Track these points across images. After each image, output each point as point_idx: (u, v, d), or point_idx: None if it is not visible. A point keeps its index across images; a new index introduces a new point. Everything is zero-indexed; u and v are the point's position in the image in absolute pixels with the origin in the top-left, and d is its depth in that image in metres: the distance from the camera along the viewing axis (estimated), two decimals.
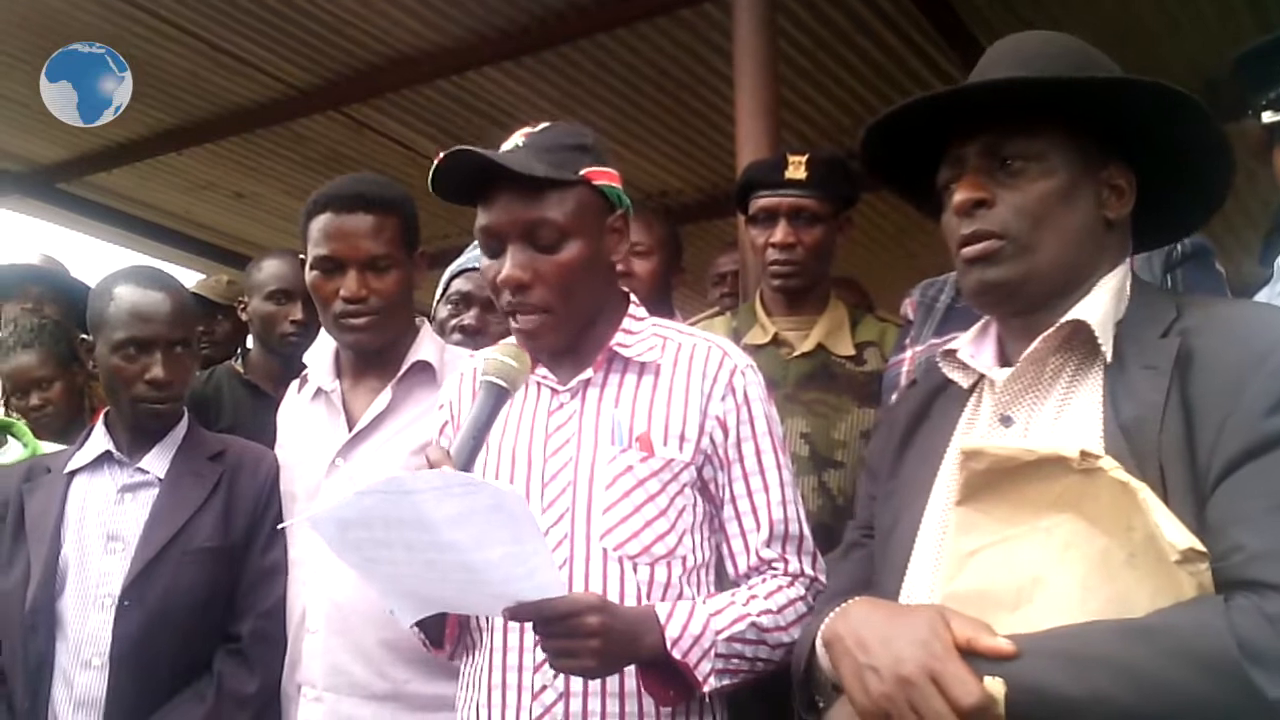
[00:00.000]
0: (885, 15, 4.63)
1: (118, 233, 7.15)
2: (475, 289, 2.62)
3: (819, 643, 1.28)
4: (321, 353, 2.21)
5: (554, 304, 1.58)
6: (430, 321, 2.55)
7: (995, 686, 1.04)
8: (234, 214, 7.09)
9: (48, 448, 2.55)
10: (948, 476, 1.29)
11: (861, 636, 1.13)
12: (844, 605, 1.24)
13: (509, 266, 1.57)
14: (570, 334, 1.63)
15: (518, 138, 1.62)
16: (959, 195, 1.31)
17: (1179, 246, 2.05)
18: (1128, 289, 1.31)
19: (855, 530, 1.52)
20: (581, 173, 1.59)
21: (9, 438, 2.56)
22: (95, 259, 7.35)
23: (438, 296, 2.69)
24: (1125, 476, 1.09)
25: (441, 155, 1.54)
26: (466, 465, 1.37)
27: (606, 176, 1.63)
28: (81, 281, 3.81)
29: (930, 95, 1.34)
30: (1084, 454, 1.11)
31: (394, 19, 4.78)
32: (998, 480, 1.18)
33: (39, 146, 6.07)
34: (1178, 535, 1.05)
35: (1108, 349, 1.24)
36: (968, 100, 1.32)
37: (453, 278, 2.69)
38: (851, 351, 2.60)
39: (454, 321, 2.64)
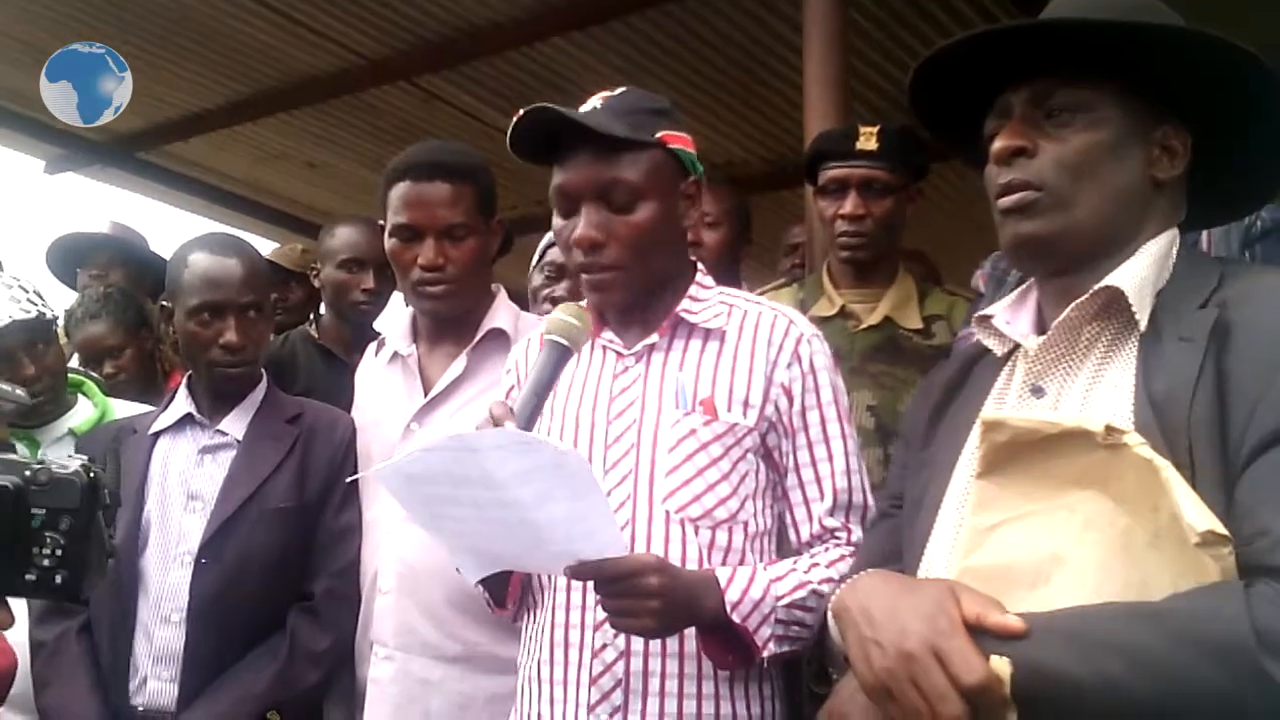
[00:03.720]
0: None
1: (195, 201, 7.23)
2: None
3: (829, 614, 1.25)
4: (398, 318, 2.25)
5: (626, 262, 1.60)
6: (528, 289, 2.58)
7: (1001, 666, 1.00)
8: (306, 183, 7.16)
9: (118, 406, 2.61)
10: (973, 448, 1.24)
11: (868, 609, 1.10)
12: (855, 577, 1.22)
13: (583, 226, 1.59)
14: (638, 293, 1.64)
15: (595, 100, 1.63)
16: (998, 143, 1.26)
17: (1258, 222, 1.99)
18: (1174, 255, 1.24)
19: (885, 500, 1.49)
20: (658, 135, 1.61)
21: (80, 396, 2.61)
22: (174, 227, 7.49)
23: (534, 263, 2.72)
24: (1150, 454, 1.04)
25: (522, 112, 1.56)
26: (529, 422, 1.39)
27: (682, 142, 1.65)
28: (149, 248, 3.91)
29: (971, 35, 1.27)
30: (1109, 429, 1.06)
31: None
32: (1020, 453, 1.14)
33: (119, 116, 6.18)
34: (1198, 517, 0.99)
35: (1143, 318, 1.18)
36: (1018, 45, 1.26)
37: (549, 246, 2.71)
38: (919, 325, 2.59)
39: (546, 292, 2.66)
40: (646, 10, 4.82)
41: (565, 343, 1.45)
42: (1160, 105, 1.25)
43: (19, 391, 1.19)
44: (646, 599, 1.40)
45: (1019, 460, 1.15)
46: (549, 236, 2.66)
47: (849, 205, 2.56)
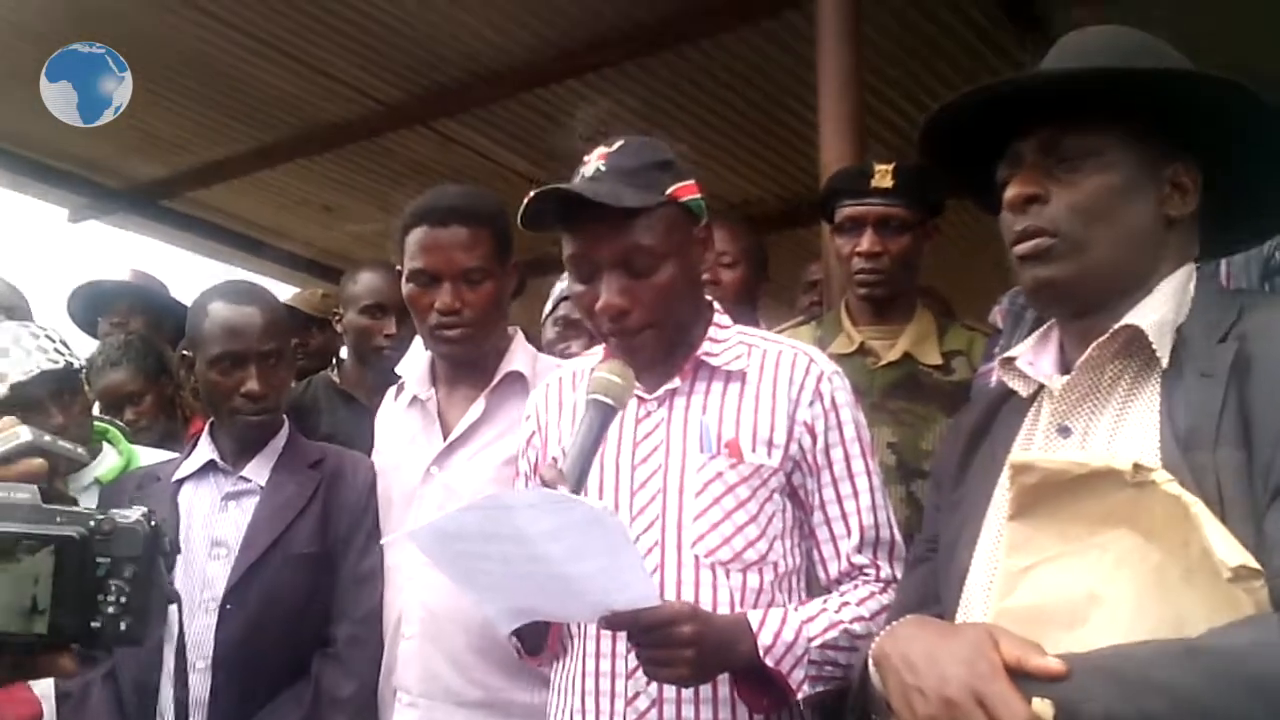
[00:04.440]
0: (972, 23, 4.57)
1: (217, 248, 7.30)
2: None
3: (870, 661, 1.25)
4: (417, 361, 2.25)
5: (653, 322, 1.59)
6: (541, 339, 2.57)
7: (1043, 708, 1.00)
8: (325, 228, 7.21)
9: (143, 453, 2.61)
10: (1004, 489, 1.25)
11: (908, 656, 1.11)
12: (894, 624, 1.23)
13: (608, 294, 1.57)
14: (667, 347, 1.64)
15: (597, 161, 1.60)
16: (1011, 191, 1.28)
17: (1276, 253, 1.98)
18: (1191, 290, 1.25)
19: (921, 544, 1.49)
20: (668, 192, 1.59)
21: (105, 444, 2.61)
22: (197, 273, 7.55)
23: (546, 313, 2.71)
24: (1179, 490, 1.05)
25: (531, 195, 1.55)
26: (579, 484, 1.38)
27: (689, 190, 1.63)
28: (170, 294, 3.92)
29: (980, 88, 1.29)
30: (1137, 467, 1.07)
31: (479, 34, 4.85)
32: (1050, 494, 1.15)
33: (141, 164, 6.24)
34: (1230, 552, 1.01)
35: (1164, 355, 1.19)
36: (1027, 95, 1.28)
37: (562, 299, 2.69)
38: (939, 360, 2.57)
39: (560, 347, 2.67)
40: (660, 52, 4.87)
41: (610, 402, 1.44)
42: (1169, 143, 1.26)
43: (80, 450, 1.22)
44: (682, 648, 1.39)
45: (1049, 501, 1.15)
46: (559, 289, 2.65)
47: (865, 243, 2.56)
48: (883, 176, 2.57)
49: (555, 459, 1.69)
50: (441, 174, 6.06)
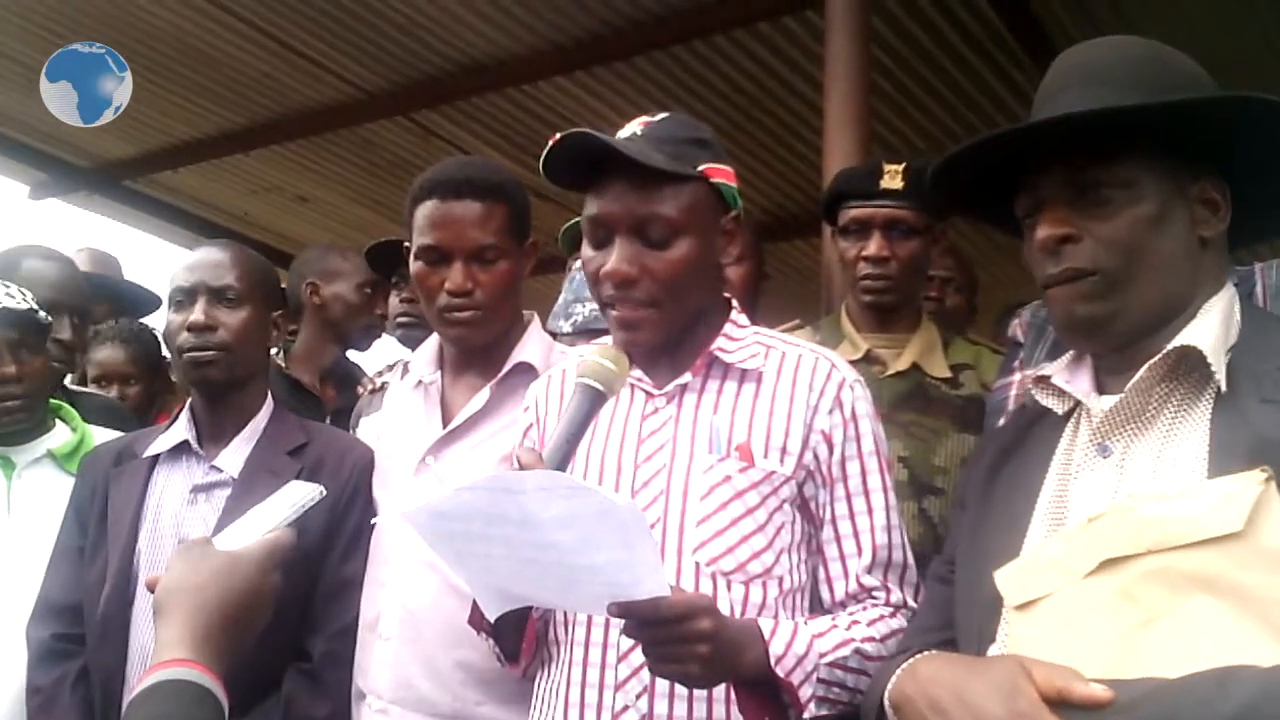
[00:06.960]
0: (986, 25, 4.44)
1: (181, 233, 7.17)
2: None
3: (886, 703, 1.19)
4: (426, 342, 2.13)
5: (658, 300, 1.52)
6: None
7: None
8: (297, 218, 7.08)
9: (97, 433, 2.51)
10: (1046, 510, 1.22)
11: (934, 697, 1.06)
12: (910, 662, 1.18)
13: (615, 260, 1.50)
14: (668, 334, 1.56)
15: (635, 126, 1.56)
16: (1042, 232, 1.24)
17: None
18: (1237, 314, 1.23)
19: (942, 564, 1.43)
20: (700, 168, 1.53)
21: (57, 421, 2.50)
22: (159, 258, 7.43)
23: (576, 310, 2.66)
24: None
25: (559, 136, 1.48)
26: (559, 470, 1.30)
27: (724, 175, 1.57)
28: (124, 276, 3.95)
29: (1000, 133, 1.27)
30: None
31: (467, 24, 4.74)
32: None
33: (108, 142, 6.10)
34: None
35: (1222, 377, 1.15)
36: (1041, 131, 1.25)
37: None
38: (947, 374, 2.48)
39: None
40: (652, 52, 4.79)
41: (600, 388, 1.36)
42: (1192, 161, 1.23)
43: None
44: (696, 643, 1.29)
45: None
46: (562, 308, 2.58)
47: (873, 247, 2.46)
48: (893, 177, 2.48)
49: (531, 446, 1.62)
50: (420, 168, 5.88)
